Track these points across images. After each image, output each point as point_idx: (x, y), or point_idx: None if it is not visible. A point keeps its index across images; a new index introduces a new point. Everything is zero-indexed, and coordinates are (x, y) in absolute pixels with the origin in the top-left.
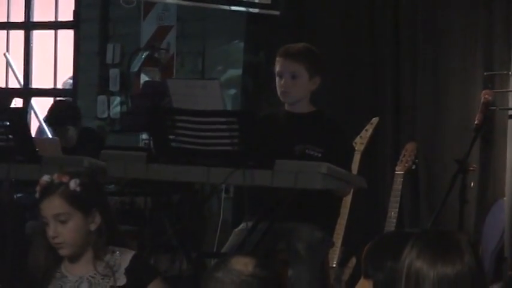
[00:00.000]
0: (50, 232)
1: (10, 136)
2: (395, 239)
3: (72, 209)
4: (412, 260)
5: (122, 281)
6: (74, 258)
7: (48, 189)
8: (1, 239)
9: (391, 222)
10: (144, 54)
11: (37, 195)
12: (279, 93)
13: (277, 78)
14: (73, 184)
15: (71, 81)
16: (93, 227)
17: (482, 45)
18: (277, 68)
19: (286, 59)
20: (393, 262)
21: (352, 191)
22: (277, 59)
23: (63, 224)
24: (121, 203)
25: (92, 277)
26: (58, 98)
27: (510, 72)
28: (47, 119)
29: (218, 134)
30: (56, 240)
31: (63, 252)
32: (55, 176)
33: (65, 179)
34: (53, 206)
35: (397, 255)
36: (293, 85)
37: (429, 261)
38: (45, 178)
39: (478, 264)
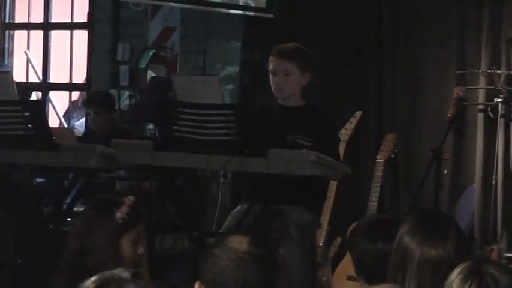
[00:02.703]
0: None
1: (30, 126)
2: (365, 225)
3: None
4: (404, 233)
5: None
6: None
7: None
8: (21, 220)
9: (372, 206)
10: (151, 52)
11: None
12: (273, 89)
13: (271, 76)
14: None
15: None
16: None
17: (455, 47)
18: (270, 67)
19: (279, 58)
20: (364, 243)
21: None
22: (271, 58)
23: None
24: (129, 186)
25: None
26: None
27: (480, 71)
28: (90, 101)
29: (217, 125)
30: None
31: None
32: None
33: None
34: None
35: (368, 238)
36: (286, 82)
37: (418, 240)
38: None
39: (457, 253)
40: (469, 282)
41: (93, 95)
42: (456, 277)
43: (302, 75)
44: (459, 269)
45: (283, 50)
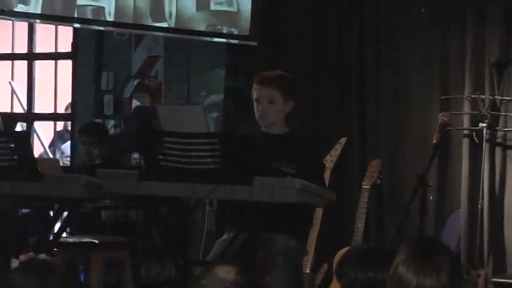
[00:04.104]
0: None
1: (15, 157)
2: (355, 254)
3: None
4: (399, 263)
5: None
6: None
7: None
8: (6, 250)
9: (358, 232)
10: (135, 81)
11: None
12: (257, 117)
13: (255, 104)
14: None
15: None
16: None
17: (438, 72)
18: (254, 95)
19: (263, 86)
20: (354, 271)
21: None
22: (255, 86)
23: None
24: (115, 215)
25: None
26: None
27: (464, 96)
28: (85, 131)
29: (202, 153)
30: None
31: None
32: None
33: None
34: None
35: (358, 266)
36: (270, 109)
37: (413, 271)
38: None
39: (451, 283)
40: None
41: (88, 125)
42: None
43: (286, 102)
44: None
45: (267, 77)
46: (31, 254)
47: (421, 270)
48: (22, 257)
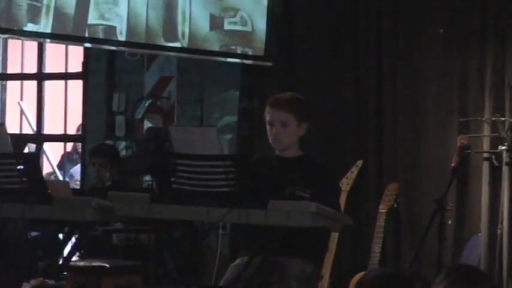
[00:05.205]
0: None
1: (24, 179)
2: (371, 280)
3: None
4: None
5: None
6: None
7: None
8: (15, 275)
9: (375, 257)
10: (147, 102)
11: None
12: (270, 140)
13: (268, 127)
14: None
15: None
16: None
17: (457, 94)
18: (267, 118)
19: (276, 108)
20: None
21: None
22: (268, 108)
23: None
24: (127, 239)
25: None
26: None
27: (484, 119)
28: (96, 152)
29: (215, 176)
30: None
31: None
32: None
33: None
34: None
35: None
36: (283, 132)
37: None
38: None
39: None
40: None
41: (99, 146)
42: None
43: (300, 125)
44: None
45: (280, 100)
46: (41, 279)
47: None
48: (32, 282)
